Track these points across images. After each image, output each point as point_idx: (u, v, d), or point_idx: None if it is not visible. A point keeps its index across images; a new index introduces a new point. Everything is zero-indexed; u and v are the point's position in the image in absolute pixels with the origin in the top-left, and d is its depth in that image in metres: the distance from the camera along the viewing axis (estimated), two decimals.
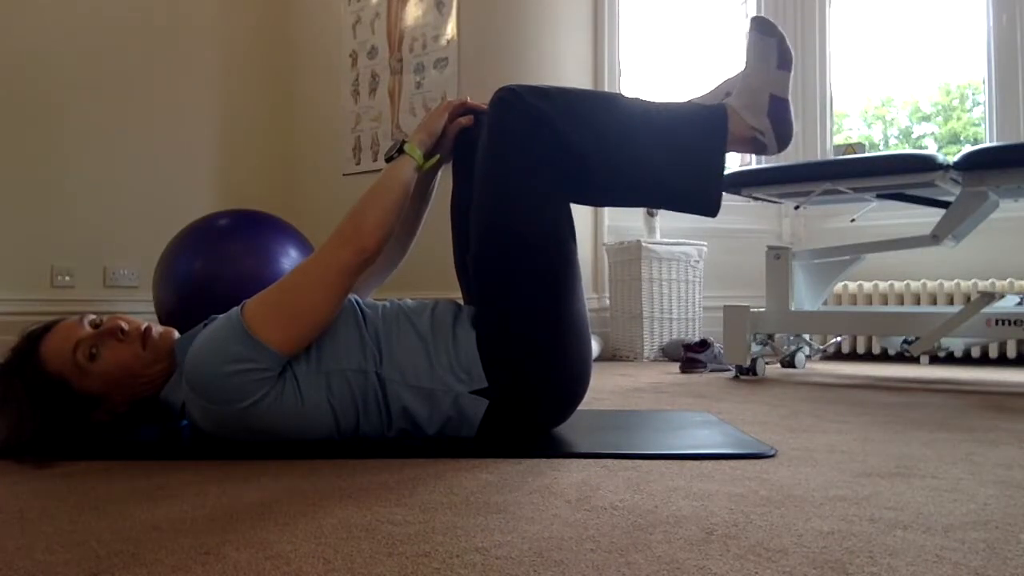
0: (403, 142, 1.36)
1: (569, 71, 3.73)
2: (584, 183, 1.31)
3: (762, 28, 1.33)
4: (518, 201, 1.27)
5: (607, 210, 3.73)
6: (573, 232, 1.31)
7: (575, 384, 1.32)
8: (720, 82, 1.45)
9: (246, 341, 1.14)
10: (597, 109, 1.30)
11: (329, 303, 1.21)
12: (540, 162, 1.27)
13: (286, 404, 1.18)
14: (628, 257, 3.49)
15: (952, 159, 2.28)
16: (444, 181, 1.48)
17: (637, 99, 1.32)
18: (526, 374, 1.26)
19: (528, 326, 1.26)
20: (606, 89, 3.83)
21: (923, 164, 2.27)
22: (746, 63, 1.34)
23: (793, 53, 1.34)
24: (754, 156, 3.88)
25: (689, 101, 1.37)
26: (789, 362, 2.92)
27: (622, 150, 1.28)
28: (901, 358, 3.20)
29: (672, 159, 1.27)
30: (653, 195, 1.35)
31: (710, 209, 1.29)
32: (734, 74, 1.46)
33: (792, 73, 1.33)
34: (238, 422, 1.17)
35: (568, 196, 1.32)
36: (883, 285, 3.42)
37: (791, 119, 1.32)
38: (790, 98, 1.33)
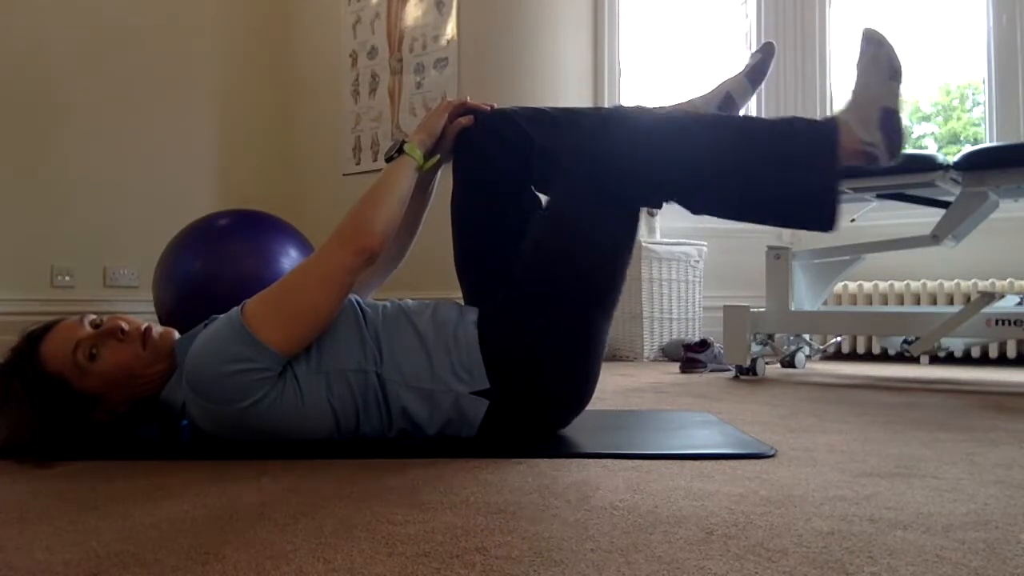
0: (403, 142, 1.36)
1: (569, 71, 3.73)
2: (692, 197, 1.31)
3: (871, 40, 1.30)
4: (587, 212, 1.27)
5: None
6: (631, 249, 1.32)
7: (583, 393, 1.33)
8: (720, 83, 1.45)
9: (246, 341, 1.14)
10: (703, 129, 1.28)
11: (329, 303, 1.21)
12: (627, 179, 1.27)
13: (286, 404, 1.18)
14: None
15: (952, 159, 2.28)
16: (444, 181, 1.48)
17: (743, 117, 1.30)
18: (536, 380, 1.26)
19: (552, 334, 1.26)
20: (605, 89, 3.83)
21: (923, 164, 2.27)
22: (856, 76, 1.31)
23: (902, 63, 1.30)
24: None
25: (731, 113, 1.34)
26: (789, 362, 2.92)
27: (725, 166, 1.26)
28: (901, 358, 3.20)
29: (782, 175, 1.25)
30: (765, 211, 1.32)
31: (826, 224, 1.26)
32: (734, 75, 1.46)
33: (902, 84, 1.30)
34: (238, 422, 1.17)
35: (648, 205, 1.33)
36: (883, 285, 3.42)
37: (903, 130, 1.29)
38: (899, 109, 1.28)
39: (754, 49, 3.95)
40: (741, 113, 1.47)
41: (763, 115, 3.80)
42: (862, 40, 1.30)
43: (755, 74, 1.44)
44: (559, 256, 1.26)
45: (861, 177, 2.38)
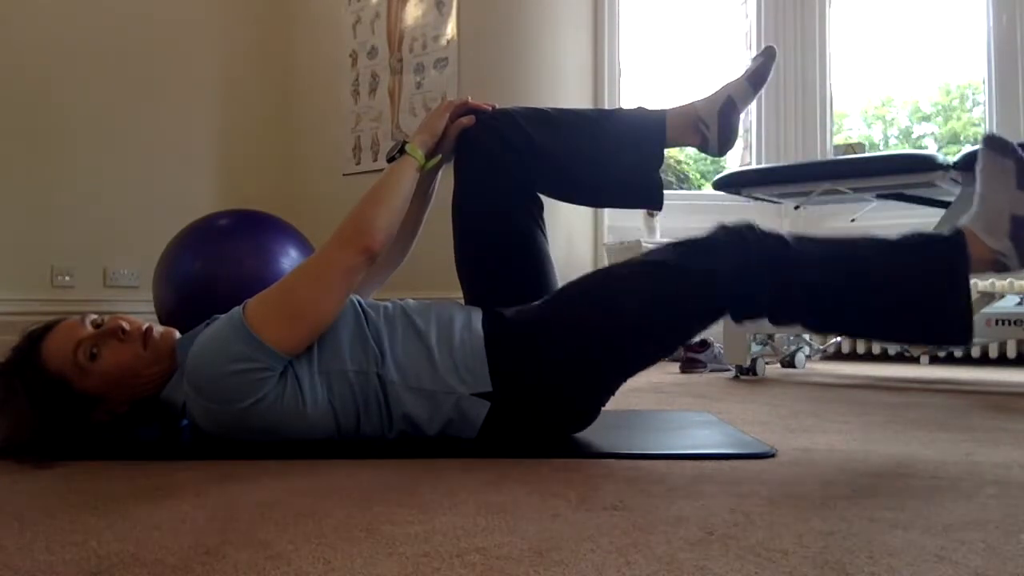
0: (404, 142, 1.36)
1: (569, 71, 3.73)
2: (809, 317, 1.28)
3: (996, 147, 1.27)
4: (680, 302, 1.25)
5: (607, 210, 3.73)
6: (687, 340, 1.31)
7: (592, 410, 1.33)
8: (721, 86, 1.45)
9: (247, 341, 1.14)
10: (817, 244, 1.25)
11: (331, 303, 1.21)
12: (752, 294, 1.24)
13: (287, 404, 1.18)
14: (628, 257, 3.48)
15: (952, 159, 2.28)
16: (445, 181, 1.48)
17: (867, 238, 1.27)
18: (540, 395, 1.26)
19: (571, 377, 1.25)
20: (605, 89, 3.83)
21: (923, 164, 2.27)
22: (980, 184, 1.28)
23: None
24: (752, 154, 3.88)
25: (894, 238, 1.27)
26: (789, 362, 2.92)
27: (851, 284, 1.23)
28: (901, 358, 3.20)
29: (912, 293, 1.22)
30: (892, 330, 1.30)
31: (962, 340, 1.23)
32: (735, 78, 1.46)
33: None
34: (239, 422, 1.17)
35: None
36: None
37: None
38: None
39: (754, 49, 3.95)
40: (742, 116, 1.47)
41: (763, 116, 3.80)
42: (984, 146, 1.27)
43: (756, 78, 1.43)
44: (606, 312, 1.25)
45: (861, 177, 2.38)
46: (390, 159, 1.36)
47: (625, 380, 1.31)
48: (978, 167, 1.28)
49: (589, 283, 1.30)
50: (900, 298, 1.22)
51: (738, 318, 1.26)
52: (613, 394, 1.32)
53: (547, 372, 1.24)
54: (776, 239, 1.24)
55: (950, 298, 1.20)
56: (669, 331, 1.28)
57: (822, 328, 1.27)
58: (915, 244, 1.24)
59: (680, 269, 1.24)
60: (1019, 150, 1.25)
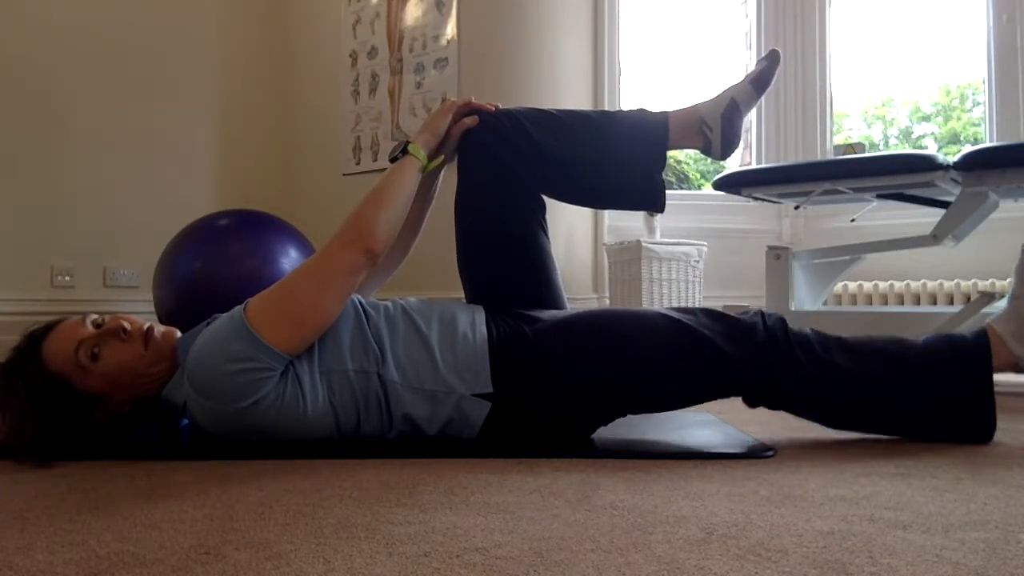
0: (407, 142, 1.36)
1: (569, 71, 3.73)
2: (828, 419, 1.33)
3: None
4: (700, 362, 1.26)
5: (608, 210, 3.72)
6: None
7: (595, 423, 1.33)
8: (724, 89, 1.45)
9: (248, 340, 1.14)
10: (857, 354, 1.27)
11: (332, 303, 1.21)
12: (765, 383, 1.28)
13: (287, 404, 1.18)
14: (628, 257, 3.49)
15: (952, 159, 2.28)
16: (447, 181, 1.48)
17: (889, 339, 1.29)
18: (542, 401, 1.26)
19: (577, 399, 1.26)
20: (605, 89, 3.82)
21: (923, 164, 2.27)
22: (1016, 283, 1.30)
23: None
24: (753, 154, 3.88)
25: (935, 336, 1.31)
26: None
27: (881, 397, 1.27)
28: None
29: (935, 407, 1.26)
30: (912, 430, 1.31)
31: (986, 438, 1.28)
32: (739, 81, 1.46)
33: None
34: (239, 421, 1.17)
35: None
36: (883, 285, 3.42)
37: None
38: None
39: (754, 49, 3.95)
40: (745, 119, 1.46)
41: (763, 116, 3.80)
42: (1022, 251, 1.29)
43: (760, 81, 1.43)
44: (612, 356, 1.26)
45: (861, 177, 2.38)
46: (392, 159, 1.36)
47: (622, 416, 1.32)
48: (1017, 266, 1.30)
49: (608, 318, 1.31)
50: (924, 412, 1.26)
51: (752, 404, 1.32)
52: (608, 423, 1.33)
53: (547, 380, 1.24)
54: (805, 346, 1.26)
55: (974, 412, 1.26)
56: (674, 385, 1.28)
57: (841, 428, 1.32)
58: (942, 356, 1.26)
59: (702, 339, 1.25)
60: None
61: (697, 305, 3.56)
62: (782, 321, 1.29)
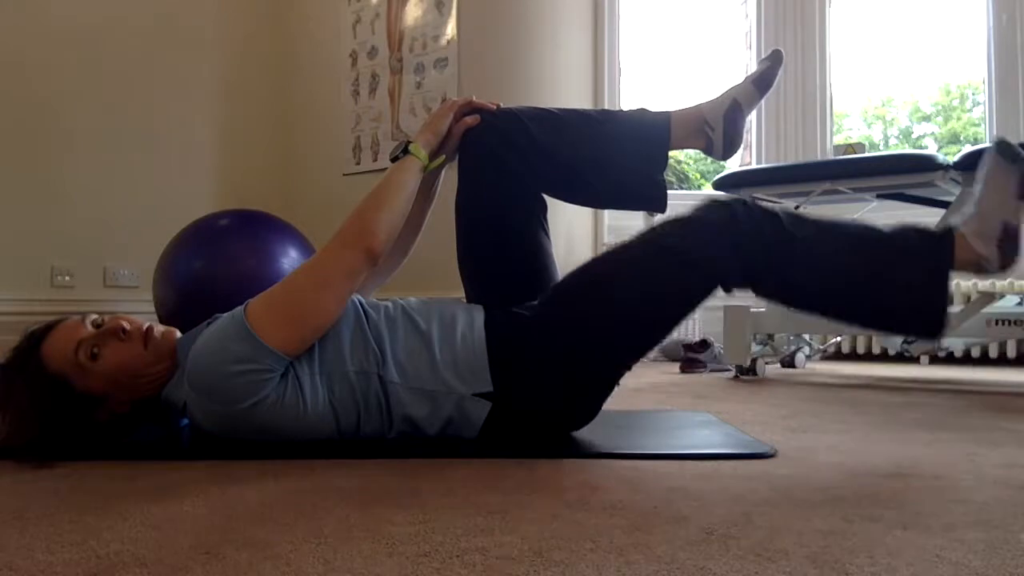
0: (408, 142, 1.36)
1: (569, 71, 3.73)
2: (789, 296, 1.30)
3: (1005, 153, 1.27)
4: (673, 283, 1.26)
5: (607, 210, 3.72)
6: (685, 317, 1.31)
7: (591, 410, 1.33)
8: (726, 89, 1.45)
9: (249, 341, 1.14)
10: (807, 227, 1.27)
11: (332, 304, 1.20)
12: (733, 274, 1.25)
13: (287, 405, 1.18)
14: None
15: (952, 159, 2.28)
16: (448, 181, 1.48)
17: (858, 224, 1.29)
18: (541, 394, 1.25)
19: (572, 368, 1.25)
20: (605, 89, 3.82)
21: (923, 164, 2.28)
22: (981, 187, 1.29)
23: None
24: (753, 154, 3.88)
25: (881, 229, 1.30)
26: (789, 362, 2.92)
27: (840, 279, 1.25)
28: (901, 358, 3.20)
29: (894, 293, 1.24)
30: (868, 322, 1.32)
31: (933, 334, 1.25)
32: (741, 81, 1.46)
33: None
34: (240, 422, 1.17)
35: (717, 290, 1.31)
36: None
37: (1020, 245, 1.26)
38: (1020, 228, 1.25)
39: (754, 49, 3.95)
40: (748, 119, 1.46)
41: (763, 116, 3.80)
42: (993, 151, 1.28)
43: (762, 81, 1.43)
44: (608, 304, 1.26)
45: (861, 177, 2.38)
46: (393, 159, 1.36)
47: (627, 370, 1.32)
48: (982, 170, 1.29)
49: (590, 277, 1.30)
50: (882, 290, 1.24)
51: (728, 290, 1.29)
52: (613, 389, 1.32)
53: (548, 370, 1.24)
54: (770, 219, 1.25)
55: (930, 296, 1.23)
56: (669, 317, 1.28)
57: (799, 308, 1.30)
58: (906, 240, 1.26)
59: (685, 259, 1.24)
60: None
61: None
62: (744, 204, 1.27)
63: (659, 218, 1.31)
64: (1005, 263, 1.25)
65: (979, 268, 1.26)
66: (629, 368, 1.32)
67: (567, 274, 1.32)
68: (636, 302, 1.25)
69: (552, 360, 1.24)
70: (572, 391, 1.27)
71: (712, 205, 1.27)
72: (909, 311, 1.25)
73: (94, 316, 1.28)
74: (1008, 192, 1.25)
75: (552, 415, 1.29)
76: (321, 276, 1.21)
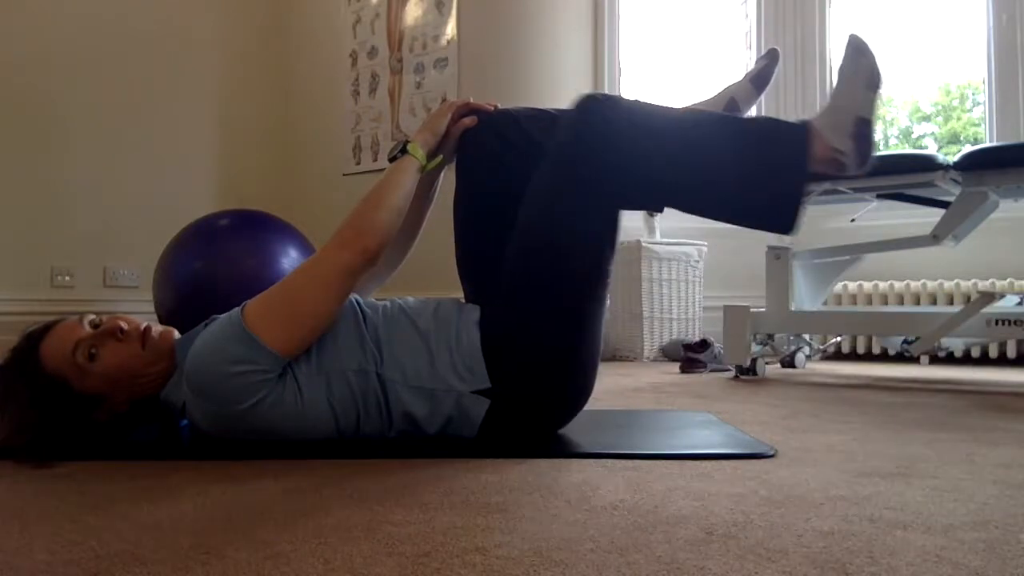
0: (406, 142, 1.36)
1: (569, 71, 3.73)
2: (651, 194, 1.31)
3: (855, 48, 1.30)
4: (569, 204, 1.27)
5: None
6: (615, 242, 1.31)
7: (582, 391, 1.32)
8: (724, 87, 1.45)
9: (247, 342, 1.14)
10: (670, 122, 1.28)
11: (330, 305, 1.21)
12: (604, 172, 1.26)
13: (287, 405, 1.18)
14: (628, 257, 3.49)
15: (952, 159, 2.28)
16: (447, 181, 1.48)
17: (714, 113, 1.30)
18: (534, 377, 1.26)
19: (548, 329, 1.26)
20: (605, 89, 3.82)
21: (923, 164, 2.28)
22: (837, 82, 1.31)
23: (883, 74, 1.29)
24: None
25: (728, 114, 1.33)
26: (789, 362, 2.92)
27: (694, 163, 1.26)
28: (901, 358, 3.20)
29: (748, 175, 1.26)
30: (725, 209, 1.32)
31: (786, 227, 1.26)
32: (738, 79, 1.46)
33: (879, 94, 1.29)
34: (239, 422, 1.17)
35: (626, 206, 1.31)
36: (883, 285, 3.42)
37: (873, 139, 1.28)
38: (872, 119, 1.28)
39: (754, 49, 3.95)
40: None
41: (763, 115, 3.80)
42: (847, 47, 1.30)
43: (760, 80, 1.44)
44: (544, 248, 1.27)
45: (860, 177, 2.38)
46: (392, 159, 1.36)
47: (600, 306, 1.32)
48: (840, 66, 1.31)
49: (530, 242, 1.30)
50: (737, 179, 1.26)
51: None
52: (600, 348, 1.33)
53: (540, 357, 1.25)
54: (627, 113, 1.27)
55: (784, 186, 1.24)
56: (607, 257, 1.30)
57: (666, 203, 1.33)
58: (761, 132, 1.27)
59: (593, 177, 1.26)
60: (873, 54, 1.28)
61: (695, 302, 3.57)
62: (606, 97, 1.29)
63: (559, 139, 1.31)
64: (862, 156, 1.26)
65: (838, 164, 1.26)
66: (595, 312, 1.31)
67: (511, 248, 1.32)
68: (582, 249, 1.27)
69: (541, 346, 1.25)
70: (565, 372, 1.27)
71: (588, 109, 1.28)
72: (763, 201, 1.26)
73: (92, 316, 1.28)
74: (860, 84, 1.26)
75: (550, 405, 1.29)
76: (319, 276, 1.21)
